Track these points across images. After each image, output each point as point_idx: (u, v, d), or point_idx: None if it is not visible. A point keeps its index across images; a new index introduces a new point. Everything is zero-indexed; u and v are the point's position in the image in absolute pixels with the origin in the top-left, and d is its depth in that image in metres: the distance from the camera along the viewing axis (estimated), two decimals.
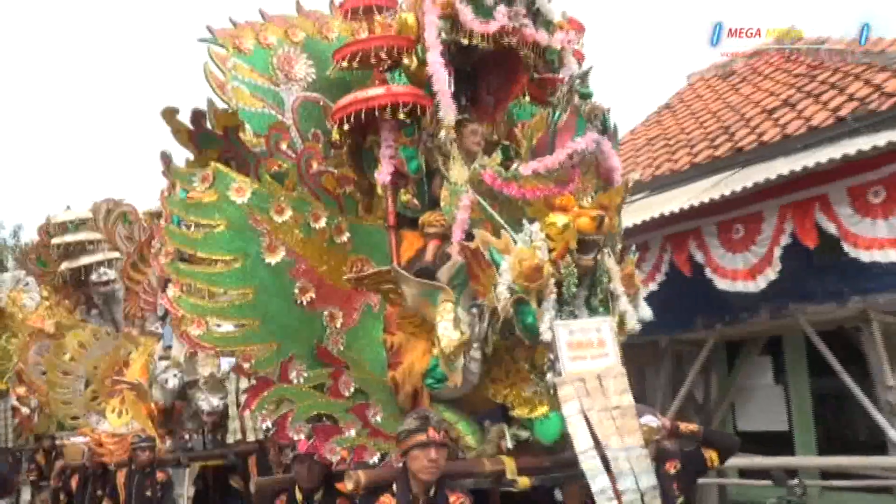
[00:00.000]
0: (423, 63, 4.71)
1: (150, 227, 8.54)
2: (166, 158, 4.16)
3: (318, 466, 4.60)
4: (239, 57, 4.47)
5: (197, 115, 4.04)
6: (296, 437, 4.14)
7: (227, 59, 4.41)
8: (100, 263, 8.08)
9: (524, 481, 3.96)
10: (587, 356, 3.96)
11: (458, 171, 4.82)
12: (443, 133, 4.50)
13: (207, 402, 7.35)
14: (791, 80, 9.32)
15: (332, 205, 4.46)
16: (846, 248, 6.44)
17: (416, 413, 3.64)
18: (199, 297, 4.08)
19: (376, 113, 4.48)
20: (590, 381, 3.86)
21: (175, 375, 7.32)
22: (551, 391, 4.08)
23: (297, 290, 4.23)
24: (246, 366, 4.08)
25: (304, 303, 4.26)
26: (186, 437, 7.60)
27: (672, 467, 4.74)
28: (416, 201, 4.92)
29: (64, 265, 7.99)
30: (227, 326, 4.24)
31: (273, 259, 4.15)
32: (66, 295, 8.37)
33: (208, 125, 4.49)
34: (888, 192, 6.23)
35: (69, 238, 7.93)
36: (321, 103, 4.83)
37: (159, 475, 7.23)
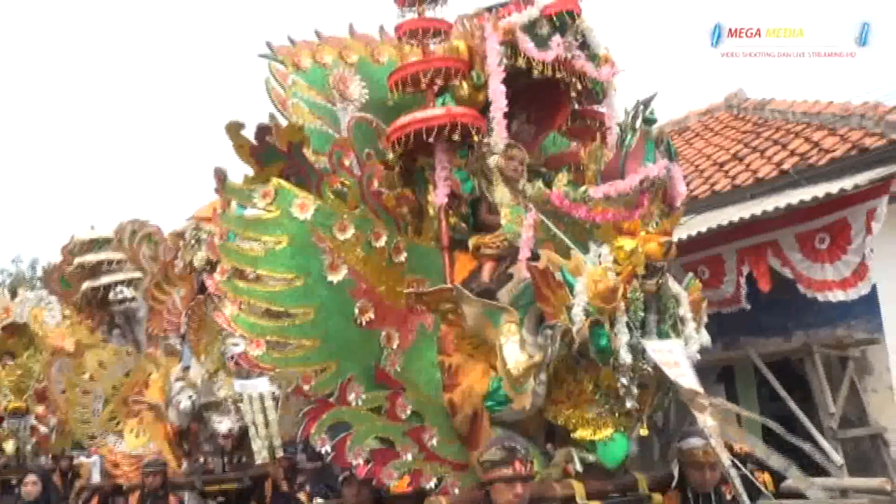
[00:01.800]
0: (475, 87, 4.56)
1: (174, 248, 8.21)
2: (221, 175, 3.90)
3: (367, 490, 4.31)
4: (298, 74, 4.25)
5: (262, 130, 3.80)
6: (354, 462, 3.84)
7: (286, 75, 4.18)
8: (119, 282, 7.72)
9: None
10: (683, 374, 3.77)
11: (500, 193, 4.66)
12: (492, 159, 4.31)
13: (224, 424, 6.99)
14: (739, 136, 10.06)
15: (391, 224, 4.21)
16: (801, 289, 7.07)
17: (502, 443, 3.36)
18: (258, 315, 3.78)
19: (430, 134, 4.31)
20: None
21: (189, 397, 6.97)
22: (617, 413, 3.87)
23: (357, 310, 3.98)
24: (306, 387, 3.82)
25: (363, 323, 4.00)
26: (202, 459, 7.19)
27: (728, 491, 4.49)
28: (462, 224, 4.73)
29: (86, 284, 7.63)
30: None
31: (335, 277, 3.90)
32: (88, 314, 8.01)
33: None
34: (832, 239, 6.89)
35: (91, 257, 7.58)
36: (374, 124, 4.64)
37: (172, 500, 6.82)
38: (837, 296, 6.82)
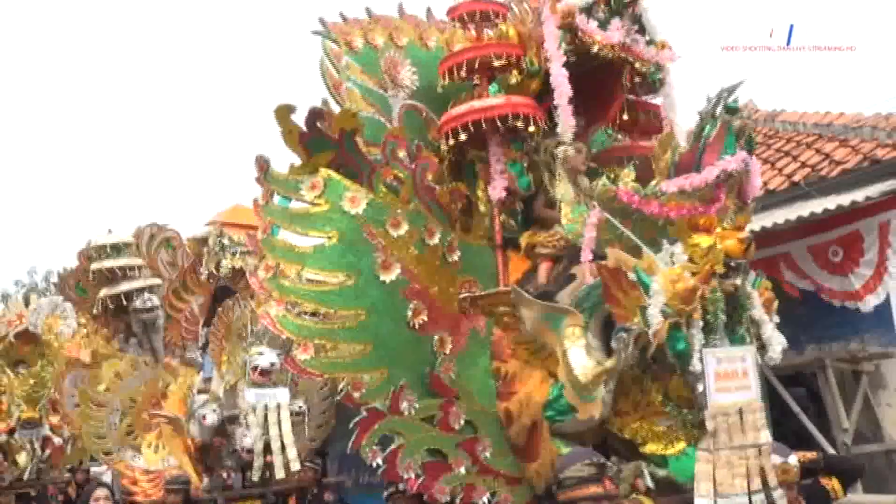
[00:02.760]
0: (529, 75, 4.38)
1: (193, 254, 8.03)
2: (263, 163, 3.70)
3: None
4: (351, 56, 4.08)
5: (314, 115, 3.61)
6: (405, 476, 3.64)
7: (340, 56, 4.01)
8: (141, 290, 7.53)
9: None
10: (731, 387, 3.59)
11: (563, 189, 4.46)
12: (561, 149, 4.12)
13: (248, 438, 6.76)
14: None
15: (444, 220, 4.02)
16: (825, 298, 7.02)
17: (587, 458, 3.12)
18: (305, 317, 3.59)
19: (488, 125, 4.13)
20: (731, 416, 3.48)
21: (214, 410, 6.72)
22: (689, 425, 3.66)
23: (410, 312, 3.77)
24: (356, 395, 3.61)
25: (416, 326, 3.80)
26: (225, 475, 6.96)
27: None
28: (511, 221, 4.54)
29: (103, 291, 7.44)
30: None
31: (387, 277, 3.71)
32: (105, 323, 7.81)
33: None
34: (845, 251, 6.94)
35: (109, 263, 7.39)
36: (424, 114, 4.45)
37: None
38: (854, 308, 6.87)
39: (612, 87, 4.80)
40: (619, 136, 5.41)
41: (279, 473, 6.23)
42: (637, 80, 4.73)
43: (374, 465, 3.59)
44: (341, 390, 3.82)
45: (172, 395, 7.44)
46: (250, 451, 6.76)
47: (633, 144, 5.21)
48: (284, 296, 3.60)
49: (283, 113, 3.63)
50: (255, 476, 6.29)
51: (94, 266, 7.49)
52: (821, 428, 7.28)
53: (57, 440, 8.08)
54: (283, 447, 6.42)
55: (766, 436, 3.59)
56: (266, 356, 6.58)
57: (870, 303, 6.78)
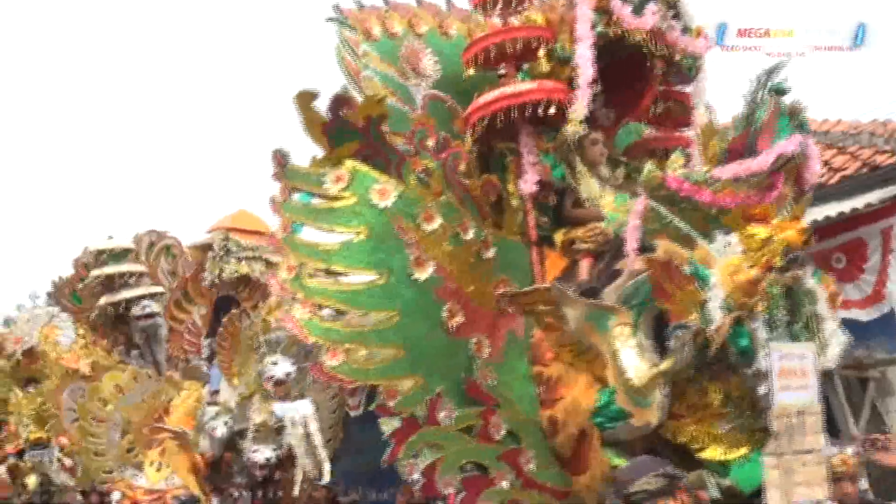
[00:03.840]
0: (559, 62, 4.21)
1: (194, 262, 7.84)
2: (281, 156, 3.50)
3: None
4: (369, 44, 3.89)
5: (338, 102, 3.43)
6: (445, 492, 3.43)
7: (358, 44, 3.83)
8: (142, 297, 7.32)
9: None
10: (793, 386, 3.39)
11: (586, 185, 4.29)
12: (569, 128, 3.93)
13: (260, 453, 6.55)
14: None
15: (477, 214, 3.82)
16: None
17: (654, 468, 2.90)
18: (332, 319, 3.40)
19: (520, 113, 3.95)
20: (793, 417, 3.30)
21: (225, 423, 6.52)
22: (752, 428, 3.47)
23: (445, 313, 3.57)
24: (391, 403, 3.40)
25: (452, 328, 3.59)
26: (235, 494, 6.74)
27: None
28: (543, 218, 4.35)
29: (103, 299, 7.24)
30: None
31: (421, 275, 3.51)
32: (104, 334, 7.60)
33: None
34: (848, 258, 7.05)
35: (110, 270, 7.19)
36: (448, 103, 4.26)
37: None
38: (859, 315, 6.87)
39: (644, 78, 4.65)
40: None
41: (326, 479, 6.03)
42: (671, 69, 4.58)
43: (412, 480, 3.38)
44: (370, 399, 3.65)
45: (176, 410, 7.23)
46: (262, 467, 6.57)
47: (664, 135, 5.04)
48: (309, 297, 3.40)
49: (305, 100, 3.44)
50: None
51: (94, 273, 7.28)
52: (830, 435, 7.28)
53: (67, 461, 7.85)
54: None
55: (819, 441, 3.42)
56: (281, 366, 6.38)
57: (875, 310, 6.86)
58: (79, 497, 8.38)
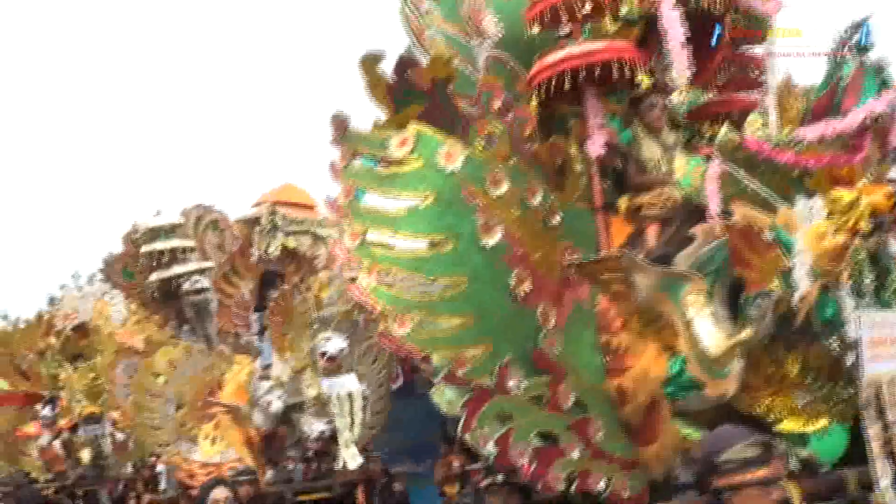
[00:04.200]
0: (628, 23, 4.11)
1: (241, 237, 7.89)
2: (341, 121, 3.45)
3: (516, 499, 3.86)
4: (431, 1, 3.82)
5: (404, 64, 3.37)
6: (518, 463, 3.39)
7: (421, 2, 3.76)
8: (192, 272, 7.39)
9: None
10: (882, 356, 3.26)
11: (649, 149, 4.20)
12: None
13: (314, 427, 6.60)
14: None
15: (543, 179, 3.75)
16: None
17: (744, 436, 2.83)
18: (401, 287, 3.36)
19: (588, 74, 3.86)
20: (887, 387, 3.17)
21: (279, 397, 6.59)
22: (833, 399, 3.37)
23: (513, 281, 3.51)
24: (460, 372, 3.35)
25: (520, 296, 3.54)
26: (290, 467, 6.81)
27: None
28: (605, 183, 4.27)
29: (154, 275, 7.31)
30: None
31: (490, 241, 3.44)
32: (156, 309, 7.70)
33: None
34: None
35: (160, 245, 7.26)
36: (509, 65, 4.17)
37: None
38: None
39: (710, 40, 4.52)
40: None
41: (352, 464, 6.09)
42: (739, 31, 4.45)
43: (487, 451, 3.35)
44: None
45: (228, 384, 7.32)
46: (316, 440, 6.64)
47: (731, 99, 4.90)
48: (376, 264, 3.36)
49: (370, 63, 3.39)
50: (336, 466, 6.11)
51: (145, 249, 7.35)
52: None
53: (119, 436, 8.00)
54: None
55: None
56: (334, 342, 6.42)
57: None
58: (131, 470, 8.58)
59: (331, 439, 6.69)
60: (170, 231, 7.37)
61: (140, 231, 7.36)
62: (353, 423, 6.50)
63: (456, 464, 9.42)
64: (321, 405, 6.61)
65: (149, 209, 7.63)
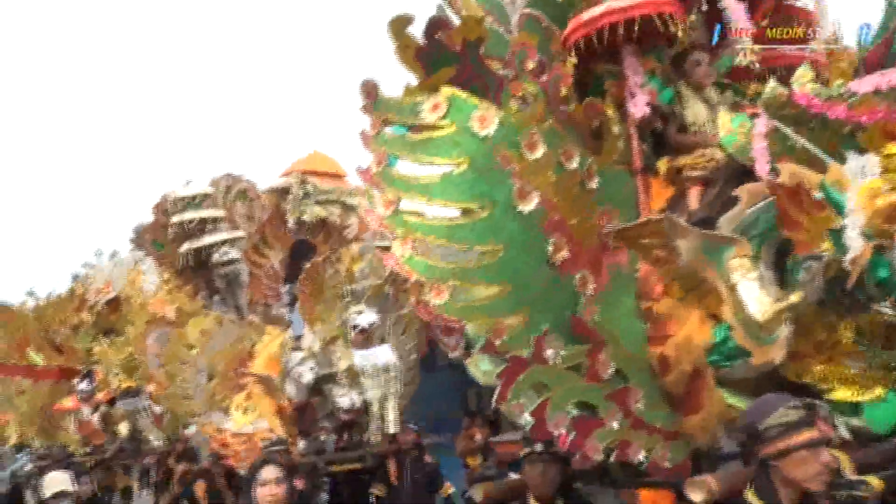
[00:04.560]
0: None
1: (270, 206, 7.87)
2: (371, 87, 3.37)
3: (555, 469, 3.82)
4: None
5: (434, 25, 3.28)
6: (555, 433, 3.35)
7: None
8: (223, 243, 7.40)
9: (876, 482, 3.07)
10: None
11: (693, 108, 4.08)
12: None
13: (346, 398, 6.63)
14: None
15: (580, 141, 3.65)
16: None
17: (785, 401, 2.75)
18: (436, 256, 3.29)
19: (628, 29, 3.73)
20: None
21: (311, 368, 6.61)
22: (889, 367, 3.27)
23: (550, 247, 3.43)
24: (497, 342, 3.30)
25: (557, 263, 3.46)
26: (322, 438, 6.86)
27: None
28: (644, 145, 4.16)
29: (185, 245, 7.34)
30: None
31: (525, 207, 3.36)
32: (187, 279, 7.75)
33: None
34: None
35: (190, 215, 7.27)
36: (544, 24, 4.05)
37: (297, 483, 6.44)
38: None
39: None
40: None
41: (392, 429, 6.10)
42: None
43: (523, 421, 3.30)
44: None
45: (259, 355, 7.37)
46: (347, 411, 6.66)
47: (777, 54, 4.73)
48: (410, 233, 3.29)
49: (399, 25, 3.29)
50: (373, 438, 6.15)
51: (175, 219, 7.37)
52: None
53: (156, 409, 8.11)
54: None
55: None
56: (365, 315, 6.44)
57: None
58: (163, 444, 8.71)
59: (362, 410, 6.74)
60: (200, 200, 7.36)
61: (170, 201, 7.35)
62: (390, 394, 6.53)
63: (478, 436, 9.51)
64: (352, 377, 6.63)
65: (177, 181, 7.62)
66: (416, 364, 7.18)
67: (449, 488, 7.10)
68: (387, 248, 4.08)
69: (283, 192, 7.80)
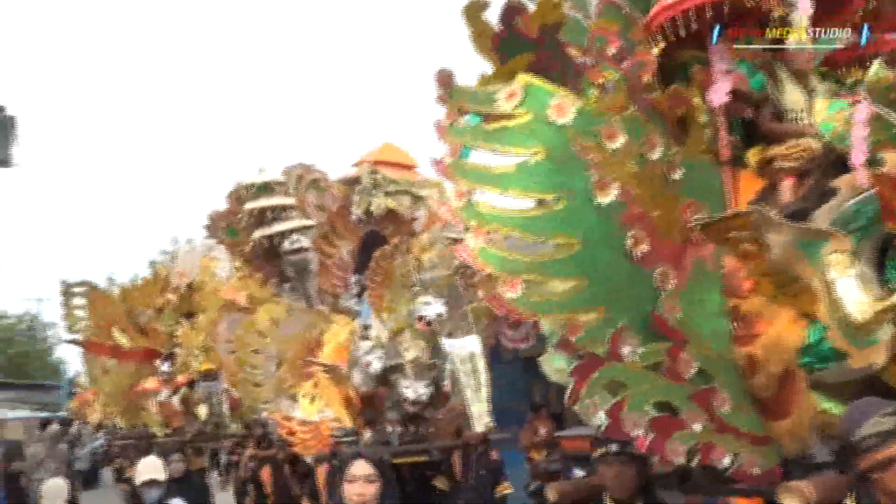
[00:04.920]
0: None
1: (341, 197, 7.89)
2: (446, 77, 3.28)
3: (632, 470, 3.67)
4: None
5: (511, 10, 3.17)
6: (633, 434, 3.21)
7: None
8: (293, 231, 7.45)
9: None
10: None
11: (791, 96, 3.84)
12: (793, 36, 3.45)
13: (413, 389, 6.60)
14: None
15: (663, 131, 3.48)
16: None
17: (882, 406, 2.56)
18: (510, 249, 3.19)
19: (716, 12, 3.54)
20: None
21: (379, 358, 6.60)
22: None
23: (629, 241, 3.29)
24: (573, 339, 3.18)
25: (636, 257, 3.31)
26: (389, 429, 6.85)
27: None
28: (732, 134, 3.95)
29: (257, 233, 7.41)
30: None
31: (604, 199, 3.22)
32: (258, 266, 7.84)
33: None
34: None
35: (263, 203, 7.34)
36: (624, 10, 3.87)
37: None
38: None
39: None
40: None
41: (479, 426, 6.05)
42: None
43: (598, 421, 3.18)
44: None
45: (327, 344, 7.41)
46: (414, 403, 6.63)
47: (879, 40, 4.43)
48: (483, 224, 3.20)
49: (474, 11, 3.20)
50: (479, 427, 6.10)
51: (248, 206, 7.45)
52: None
53: (234, 393, 8.24)
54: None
55: None
56: (433, 306, 6.39)
57: None
58: (240, 429, 8.84)
59: (428, 403, 6.70)
60: (272, 188, 7.41)
61: (243, 188, 7.42)
62: (477, 384, 6.45)
63: (542, 430, 9.40)
64: (422, 367, 6.60)
65: (251, 169, 7.69)
66: (487, 358, 7.09)
67: (506, 488, 6.97)
68: (457, 241, 3.99)
69: (353, 182, 7.80)
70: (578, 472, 7.33)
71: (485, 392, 6.22)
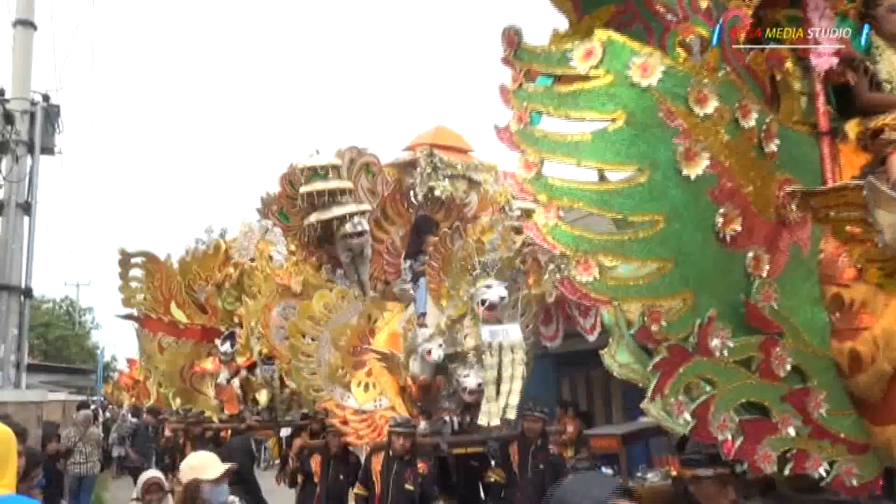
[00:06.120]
0: None
1: (392, 181, 7.58)
2: (513, 34, 2.93)
3: (729, 493, 3.26)
4: None
5: None
6: (720, 437, 2.82)
7: None
8: (353, 215, 7.17)
9: None
10: None
11: (888, 62, 3.39)
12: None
13: (472, 378, 6.25)
14: None
15: (759, 96, 3.07)
16: None
17: None
18: (584, 226, 2.83)
19: None
20: None
21: (440, 346, 6.27)
22: None
23: (720, 219, 2.89)
24: (654, 328, 2.81)
25: (727, 238, 2.92)
26: (446, 419, 6.52)
27: None
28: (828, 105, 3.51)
29: (313, 216, 7.14)
30: None
31: (692, 171, 2.84)
32: (310, 252, 7.59)
33: None
34: None
35: (319, 186, 7.07)
36: None
37: (420, 465, 6.15)
38: None
39: None
40: None
41: (511, 414, 5.72)
42: None
43: (682, 421, 2.80)
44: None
45: (381, 332, 7.12)
46: (472, 392, 6.29)
47: None
48: (555, 199, 2.84)
49: None
50: (492, 420, 5.76)
51: (303, 189, 7.16)
52: None
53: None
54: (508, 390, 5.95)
55: None
56: (495, 290, 6.03)
57: None
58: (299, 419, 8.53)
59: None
60: (326, 171, 7.13)
61: (297, 170, 7.15)
62: (513, 376, 6.11)
63: (570, 428, 8.95)
64: (479, 356, 6.26)
65: (305, 152, 7.42)
66: (533, 347, 6.71)
67: None
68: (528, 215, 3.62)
69: (404, 166, 7.50)
70: (607, 471, 6.95)
71: (519, 385, 5.84)
